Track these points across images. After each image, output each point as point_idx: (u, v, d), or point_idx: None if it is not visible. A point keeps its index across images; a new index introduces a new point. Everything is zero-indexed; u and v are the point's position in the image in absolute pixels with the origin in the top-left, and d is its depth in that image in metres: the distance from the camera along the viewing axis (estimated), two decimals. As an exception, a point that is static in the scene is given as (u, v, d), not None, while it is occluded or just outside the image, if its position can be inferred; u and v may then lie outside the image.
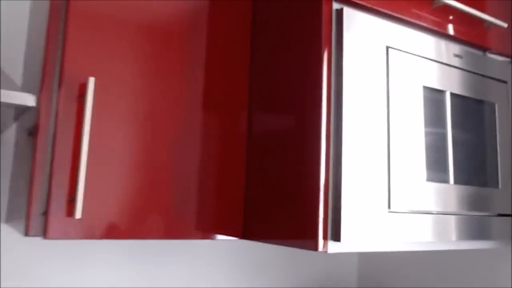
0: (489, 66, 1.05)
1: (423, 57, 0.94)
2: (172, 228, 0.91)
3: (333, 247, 0.80)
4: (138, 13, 0.91)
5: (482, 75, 1.04)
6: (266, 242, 0.92)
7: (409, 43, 0.93)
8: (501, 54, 1.09)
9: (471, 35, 1.04)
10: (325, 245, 0.80)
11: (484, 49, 1.07)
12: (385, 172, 0.85)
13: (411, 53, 0.92)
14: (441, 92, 0.96)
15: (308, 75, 0.86)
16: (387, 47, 0.89)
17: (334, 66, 0.84)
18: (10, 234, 1.05)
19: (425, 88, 0.93)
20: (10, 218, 1.03)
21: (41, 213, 0.80)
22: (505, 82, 1.08)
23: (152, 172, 0.89)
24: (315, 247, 0.79)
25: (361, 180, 0.82)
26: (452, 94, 0.98)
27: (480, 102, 1.02)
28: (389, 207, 0.84)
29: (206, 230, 0.94)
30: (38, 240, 1.09)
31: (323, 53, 0.83)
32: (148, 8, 0.92)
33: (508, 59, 1.11)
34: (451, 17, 1.01)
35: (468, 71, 1.01)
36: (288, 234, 0.86)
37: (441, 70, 0.97)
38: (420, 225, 0.88)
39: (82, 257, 1.15)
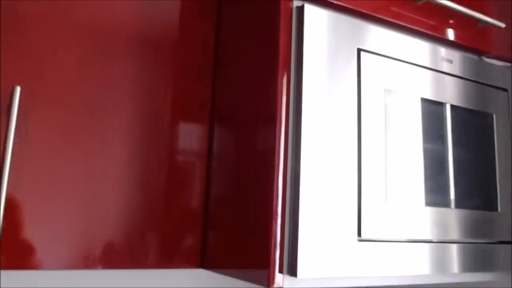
0: (486, 72, 0.92)
1: (403, 60, 0.82)
2: (122, 259, 0.80)
3: (289, 283, 0.68)
4: (84, 16, 0.82)
5: (478, 82, 0.91)
6: (223, 273, 0.80)
7: (385, 45, 0.81)
8: (499, 59, 0.96)
9: (462, 36, 0.91)
10: (279, 280, 0.68)
11: (480, 53, 0.95)
12: (354, 193, 0.73)
13: (387, 56, 0.81)
14: (429, 102, 0.83)
15: (264, 85, 0.75)
16: (359, 50, 0.78)
17: (294, 72, 0.73)
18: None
19: (405, 95, 0.81)
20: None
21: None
22: (505, 90, 0.94)
23: (94, 198, 0.79)
24: (268, 283, 0.67)
25: (323, 203, 0.70)
26: (438, 104, 0.85)
27: (475, 113, 0.89)
28: (359, 234, 0.72)
29: (160, 259, 0.83)
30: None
31: (279, 57, 0.72)
32: (94, 11, 0.83)
33: (508, 64, 0.98)
34: (439, 16, 0.89)
35: (460, 77, 0.89)
36: (243, 266, 0.74)
37: (427, 76, 0.84)
38: (392, 255, 0.75)
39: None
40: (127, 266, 0.80)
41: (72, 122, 0.79)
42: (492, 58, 0.96)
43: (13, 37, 0.76)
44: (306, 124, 0.70)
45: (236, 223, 0.78)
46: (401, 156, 0.78)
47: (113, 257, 0.79)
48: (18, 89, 0.73)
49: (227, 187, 0.82)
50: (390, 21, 0.83)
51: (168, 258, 0.83)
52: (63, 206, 0.76)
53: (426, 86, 0.84)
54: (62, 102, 0.78)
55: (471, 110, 0.89)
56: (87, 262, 0.77)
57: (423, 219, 0.79)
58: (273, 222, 0.68)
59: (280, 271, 0.68)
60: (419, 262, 0.77)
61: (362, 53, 0.78)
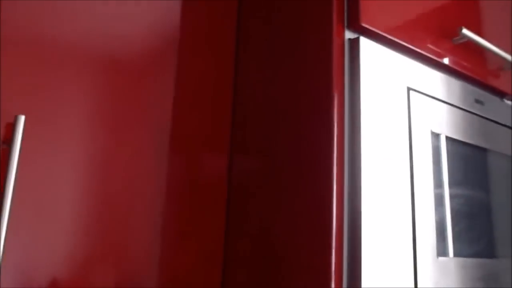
0: (507, 114, 0.91)
1: (445, 102, 0.78)
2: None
3: None
4: (89, 39, 0.70)
5: (502, 125, 0.89)
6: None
7: (430, 85, 0.76)
8: (517, 101, 0.95)
9: (490, 77, 0.89)
10: None
11: (502, 94, 0.93)
12: (410, 248, 0.66)
13: (432, 97, 0.76)
14: (465, 144, 0.79)
15: (315, 116, 0.67)
16: (408, 88, 0.72)
17: (348, 107, 0.66)
18: None
19: (448, 138, 0.77)
20: None
21: None
22: (524, 133, 0.93)
23: (104, 236, 0.66)
24: None
25: (382, 248, 0.62)
26: (475, 147, 0.81)
27: (500, 155, 0.87)
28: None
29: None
30: None
31: (334, 90, 0.65)
32: (101, 32, 0.71)
33: (525, 107, 0.97)
34: (472, 56, 0.86)
35: (488, 119, 0.86)
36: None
37: (463, 118, 0.80)
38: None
39: None
40: None
41: (84, 155, 0.66)
42: (510, 100, 0.95)
43: (21, 61, 0.63)
44: (364, 159, 0.63)
45: (273, 260, 0.68)
46: (449, 205, 0.73)
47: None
48: (21, 118, 0.59)
49: (260, 224, 0.72)
50: (432, 59, 0.79)
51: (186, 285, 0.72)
52: (65, 257, 0.63)
53: (465, 129, 0.80)
54: (70, 133, 0.65)
55: (505, 155, 0.86)
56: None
57: (470, 271, 0.74)
58: (331, 268, 0.60)
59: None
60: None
61: (411, 92, 0.72)
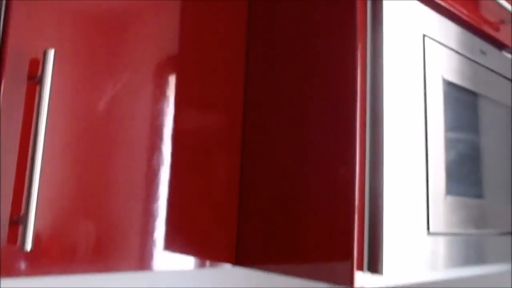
0: (505, 66, 0.94)
1: (455, 50, 0.81)
2: (150, 259, 0.69)
3: (371, 282, 0.63)
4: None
5: (501, 75, 0.93)
6: (269, 270, 0.73)
7: (443, 33, 0.78)
8: (515, 54, 0.99)
9: (493, 29, 0.92)
10: (361, 278, 0.63)
11: (501, 46, 0.96)
12: (424, 186, 0.70)
13: (445, 45, 0.78)
14: (469, 92, 0.83)
15: (338, 68, 0.69)
16: (424, 36, 0.74)
17: (370, 52, 0.68)
18: None
19: (455, 86, 0.80)
20: None
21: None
22: (520, 85, 0.98)
23: (125, 183, 0.67)
24: (349, 282, 0.62)
25: (401, 195, 0.66)
26: (479, 96, 0.85)
27: (499, 105, 0.91)
28: (428, 228, 0.69)
29: (192, 256, 0.73)
30: None
31: (358, 40, 0.66)
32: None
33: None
34: (477, 8, 0.88)
35: (491, 70, 0.89)
36: (302, 262, 0.68)
37: (469, 67, 0.84)
38: (459, 248, 0.74)
39: None
40: (159, 266, 0.70)
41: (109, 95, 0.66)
42: (509, 52, 0.99)
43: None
44: (386, 109, 0.66)
45: (290, 214, 0.71)
46: (457, 149, 0.77)
47: (144, 255, 0.68)
48: (51, 52, 0.59)
49: (275, 172, 0.75)
50: (447, 9, 0.81)
51: (200, 254, 0.74)
52: (91, 201, 0.64)
53: (471, 77, 0.83)
54: (91, 70, 0.65)
55: (499, 102, 0.90)
56: (117, 263, 0.65)
57: (484, 212, 0.79)
58: (353, 214, 0.63)
59: (359, 269, 0.63)
60: (476, 254, 0.77)
61: (426, 39, 0.74)
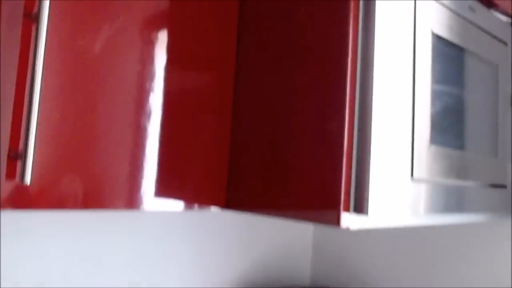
0: (493, 25, 0.96)
1: (445, 5, 0.82)
2: (140, 199, 0.71)
3: (357, 222, 0.66)
4: None
5: (488, 33, 0.95)
6: (259, 213, 0.76)
7: (434, -14, 0.80)
8: (503, 13, 1.01)
9: (482, -13, 0.93)
10: (347, 219, 0.66)
11: (489, 5, 0.98)
12: (409, 135, 0.73)
13: (435, -2, 0.80)
14: (458, 47, 0.85)
15: (331, 8, 0.70)
16: (415, -13, 0.75)
17: (362, 10, 0.69)
18: None
19: (444, 40, 0.82)
20: None
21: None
22: (505, 44, 1.00)
23: (116, 131, 0.69)
24: (336, 222, 0.65)
25: (387, 143, 0.69)
26: (466, 51, 0.87)
27: (484, 62, 0.93)
28: (412, 175, 0.72)
29: (181, 199, 0.76)
30: None
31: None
32: None
33: (509, 20, 1.03)
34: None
35: (478, 27, 0.91)
36: (291, 204, 0.71)
37: (458, 23, 0.85)
38: (440, 196, 0.77)
39: (19, 230, 0.91)
40: (148, 206, 0.72)
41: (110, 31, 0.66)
42: (497, 12, 1.00)
43: None
44: (377, 55, 0.67)
45: (280, 159, 0.74)
46: (442, 101, 0.80)
47: (134, 196, 0.70)
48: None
49: (265, 118, 0.77)
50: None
51: (189, 198, 0.76)
52: (85, 135, 0.65)
53: (459, 32, 0.85)
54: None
55: (485, 59, 0.93)
56: (109, 201, 0.67)
57: (462, 162, 0.82)
58: (342, 156, 0.65)
59: (346, 210, 0.66)
60: (456, 202, 0.80)
61: (417, -9, 0.76)
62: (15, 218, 0.92)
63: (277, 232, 1.39)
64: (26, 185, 0.58)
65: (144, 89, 0.70)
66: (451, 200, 0.82)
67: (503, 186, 0.97)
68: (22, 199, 0.59)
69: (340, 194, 0.65)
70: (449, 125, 0.82)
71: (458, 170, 0.84)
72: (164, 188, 0.72)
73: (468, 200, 0.87)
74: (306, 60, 0.72)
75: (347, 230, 1.40)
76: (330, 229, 1.44)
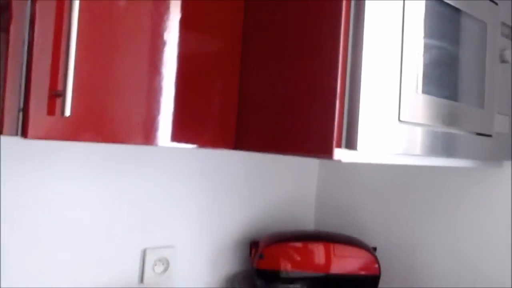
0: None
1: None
2: (160, 134, 0.81)
3: (348, 156, 0.77)
4: None
5: (478, -7, 1.02)
6: (264, 152, 0.87)
7: None
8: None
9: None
10: (339, 153, 0.76)
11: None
12: (398, 82, 0.82)
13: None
14: (449, 6, 0.93)
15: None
16: None
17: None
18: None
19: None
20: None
21: (18, 110, 0.68)
22: (496, 3, 1.07)
23: (148, 63, 0.79)
24: (329, 155, 0.75)
25: (377, 88, 0.78)
26: (456, 9, 0.95)
27: (475, 20, 1.01)
28: (399, 117, 0.82)
29: (194, 139, 0.86)
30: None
31: None
32: None
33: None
34: None
35: (467, -14, 0.99)
36: (293, 142, 0.81)
37: (447, -18, 0.93)
38: (426, 139, 0.87)
39: (46, 164, 1.03)
40: (162, 141, 0.82)
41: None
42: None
43: None
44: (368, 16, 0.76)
45: (282, 100, 0.83)
46: (433, 54, 0.88)
47: (153, 132, 0.80)
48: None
49: (269, 63, 0.86)
50: None
51: (200, 136, 0.87)
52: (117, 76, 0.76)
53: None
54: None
55: (476, 18, 1.00)
56: (127, 135, 0.78)
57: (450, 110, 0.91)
58: (335, 97, 0.75)
59: (338, 146, 0.76)
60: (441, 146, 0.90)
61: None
62: (37, 151, 1.03)
63: (283, 180, 1.50)
64: (65, 119, 0.69)
65: (162, 41, 0.80)
66: (437, 144, 0.92)
67: (488, 135, 1.06)
68: (61, 132, 0.69)
69: (333, 131, 0.75)
70: (438, 76, 0.90)
71: (445, 117, 0.93)
72: (180, 128, 0.83)
73: (454, 145, 0.97)
74: (305, 22, 0.81)
75: (348, 179, 1.50)
76: (333, 177, 1.55)
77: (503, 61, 1.09)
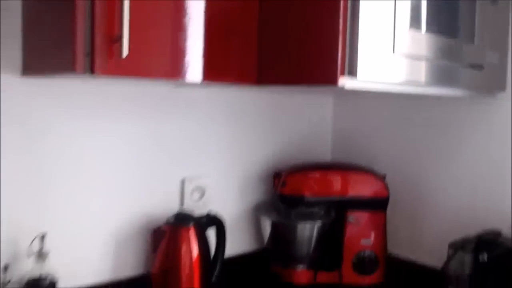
0: None
1: None
2: (191, 70, 0.98)
3: (350, 83, 0.93)
4: None
5: None
6: (282, 85, 1.04)
7: None
8: None
9: None
10: (342, 79, 0.92)
11: None
12: (392, 16, 0.96)
13: None
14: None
15: None
16: None
17: None
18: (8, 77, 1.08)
19: None
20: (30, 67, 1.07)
21: (86, 53, 0.85)
22: None
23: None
24: (334, 82, 0.92)
25: (373, 20, 0.93)
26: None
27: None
28: (393, 50, 0.97)
29: (220, 75, 1.03)
30: (41, 84, 1.13)
31: None
32: None
33: None
34: None
35: None
36: (305, 74, 0.98)
37: None
38: (421, 69, 1.03)
39: (86, 108, 1.21)
40: (195, 78, 0.99)
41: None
42: None
43: None
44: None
45: (294, 39, 1.00)
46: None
47: (186, 69, 0.98)
48: None
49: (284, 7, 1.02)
50: None
51: (223, 73, 1.04)
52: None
53: None
54: None
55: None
56: (171, 72, 0.96)
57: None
58: (338, 32, 0.91)
59: (342, 73, 0.92)
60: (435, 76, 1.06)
61: None
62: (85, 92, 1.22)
63: (302, 117, 1.68)
64: (123, 60, 0.87)
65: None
66: (431, 75, 1.07)
67: (480, 67, 1.20)
68: (121, 69, 0.88)
69: (337, 62, 0.91)
70: (430, 12, 1.05)
71: (437, 50, 1.08)
72: (209, 67, 1.00)
73: (447, 76, 1.12)
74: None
75: (360, 116, 1.67)
76: (347, 114, 1.71)
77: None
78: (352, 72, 0.92)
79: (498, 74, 1.27)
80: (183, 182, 1.40)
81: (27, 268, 1.09)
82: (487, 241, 1.23)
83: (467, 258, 1.23)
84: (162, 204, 1.36)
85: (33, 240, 1.08)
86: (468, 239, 1.25)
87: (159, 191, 1.36)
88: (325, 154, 1.76)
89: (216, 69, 1.02)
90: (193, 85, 1.26)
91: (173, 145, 1.37)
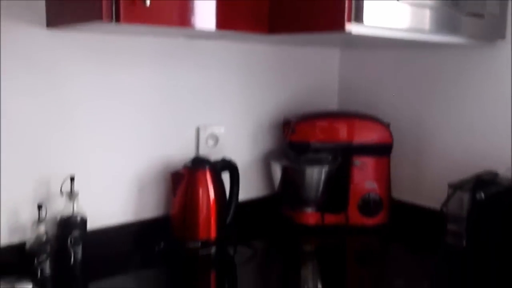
0: None
1: None
2: (208, 19, 1.06)
3: (356, 28, 1.00)
4: None
5: None
6: (292, 33, 1.10)
7: None
8: None
9: None
10: (349, 25, 0.99)
11: None
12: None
13: None
14: None
15: None
16: None
17: None
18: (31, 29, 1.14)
19: None
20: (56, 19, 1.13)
21: (112, 2, 0.92)
22: None
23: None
24: (342, 28, 0.99)
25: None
26: None
27: None
28: (398, -2, 1.03)
29: (232, 23, 1.10)
30: (65, 37, 1.19)
31: None
32: None
33: None
34: None
35: None
36: (314, 22, 1.04)
37: None
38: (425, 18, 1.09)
39: (107, 60, 1.28)
40: (208, 25, 1.06)
41: None
42: None
43: None
44: None
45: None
46: None
47: (202, 18, 1.04)
48: None
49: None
50: None
51: (234, 21, 1.10)
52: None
53: None
54: None
55: None
56: (188, 20, 1.02)
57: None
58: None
59: (349, 20, 0.99)
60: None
61: None
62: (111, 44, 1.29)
63: (310, 68, 1.75)
64: (147, 8, 0.93)
65: None
66: (435, 22, 1.13)
67: (481, 15, 1.26)
68: (144, 17, 0.94)
69: (344, 8, 0.98)
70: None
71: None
72: (223, 16, 1.06)
73: (449, 24, 1.18)
74: None
75: (365, 67, 1.73)
76: (352, 65, 1.78)
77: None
78: (359, 18, 0.98)
79: (498, 22, 1.32)
80: (198, 130, 1.48)
81: (60, 207, 1.19)
82: (484, 181, 1.31)
83: (465, 197, 1.31)
84: (180, 150, 1.45)
85: (64, 181, 1.18)
86: (467, 179, 1.33)
87: (177, 138, 1.44)
88: (332, 104, 1.84)
89: (230, 18, 1.08)
90: (207, 35, 1.32)
91: (188, 95, 1.45)
